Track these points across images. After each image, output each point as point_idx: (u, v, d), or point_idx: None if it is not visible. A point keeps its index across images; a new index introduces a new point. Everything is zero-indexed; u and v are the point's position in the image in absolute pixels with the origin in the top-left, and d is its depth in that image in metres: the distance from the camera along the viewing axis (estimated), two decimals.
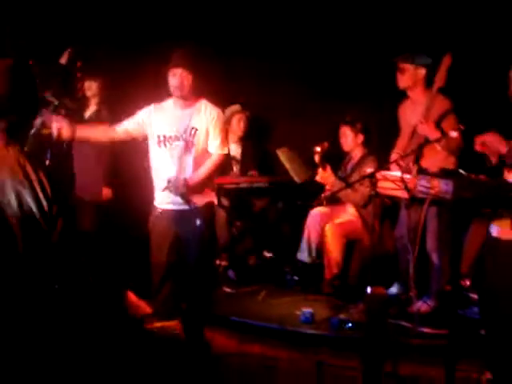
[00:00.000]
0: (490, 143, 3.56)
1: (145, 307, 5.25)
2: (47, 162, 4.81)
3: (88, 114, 5.85)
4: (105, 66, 6.01)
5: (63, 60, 5.40)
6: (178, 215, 4.56)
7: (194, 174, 4.52)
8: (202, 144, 4.54)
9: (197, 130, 4.51)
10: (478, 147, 3.62)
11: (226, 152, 4.66)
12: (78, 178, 5.59)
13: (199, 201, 4.56)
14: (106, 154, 5.53)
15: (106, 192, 5.71)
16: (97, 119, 5.69)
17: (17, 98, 2.45)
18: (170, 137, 4.52)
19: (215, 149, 4.57)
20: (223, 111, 5.67)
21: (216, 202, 4.76)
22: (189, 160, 4.52)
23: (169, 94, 4.61)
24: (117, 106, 5.70)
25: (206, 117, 4.54)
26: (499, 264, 3.61)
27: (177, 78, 4.45)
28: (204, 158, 4.57)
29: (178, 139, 4.51)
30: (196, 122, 4.53)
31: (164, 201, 4.60)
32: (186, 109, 4.57)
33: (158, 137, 4.53)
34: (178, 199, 4.50)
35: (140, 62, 6.25)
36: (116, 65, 6.17)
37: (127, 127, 4.64)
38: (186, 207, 4.52)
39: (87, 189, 5.54)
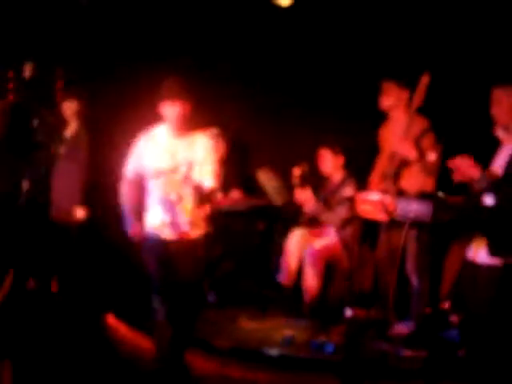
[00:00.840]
0: (461, 167, 3.58)
1: (124, 330, 5.26)
2: (26, 185, 4.78)
3: (68, 133, 5.82)
4: (84, 86, 5.97)
5: (27, 73, 5.38)
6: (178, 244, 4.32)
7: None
8: (197, 177, 4.25)
9: (193, 163, 4.24)
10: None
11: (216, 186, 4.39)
12: (55, 197, 5.60)
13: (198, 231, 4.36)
14: (85, 172, 5.51)
15: (80, 212, 5.58)
16: (77, 139, 5.68)
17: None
18: (167, 170, 4.24)
19: (210, 182, 4.27)
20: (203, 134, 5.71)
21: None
22: (186, 192, 4.24)
23: (155, 122, 4.39)
24: (96, 127, 5.72)
25: (201, 147, 4.29)
26: (477, 289, 3.64)
27: (176, 109, 4.20)
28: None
29: (175, 171, 4.23)
30: (193, 152, 4.26)
31: (164, 230, 4.31)
32: (180, 138, 4.30)
33: (155, 171, 4.27)
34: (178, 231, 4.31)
35: (119, 83, 6.26)
36: (95, 85, 6.15)
37: (136, 177, 4.39)
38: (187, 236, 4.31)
39: (63, 208, 5.53)
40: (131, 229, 4.40)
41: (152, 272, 4.35)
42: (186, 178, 4.22)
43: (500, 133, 3.72)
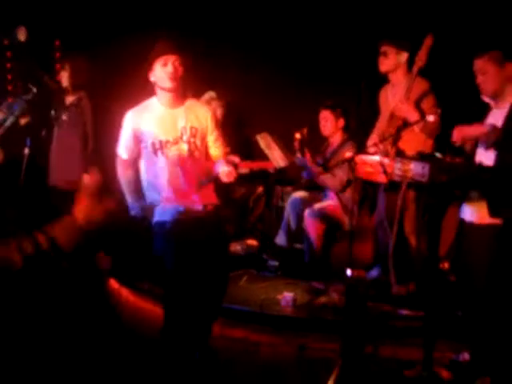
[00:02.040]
0: (468, 129, 3.62)
1: (127, 294, 5.31)
2: (26, 151, 4.73)
3: (69, 101, 5.82)
4: (82, 56, 5.94)
5: (21, 37, 5.34)
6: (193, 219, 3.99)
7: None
8: (203, 145, 4.04)
9: (197, 129, 3.98)
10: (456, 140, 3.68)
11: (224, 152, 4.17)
12: (58, 165, 5.61)
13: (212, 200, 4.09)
14: (89, 143, 5.51)
15: (87, 177, 5.59)
16: (78, 107, 5.67)
17: None
18: (168, 141, 3.92)
19: (217, 151, 4.12)
20: (199, 99, 5.70)
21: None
22: (194, 164, 3.99)
23: (148, 94, 4.07)
24: (98, 92, 5.72)
25: (201, 116, 4.02)
26: (475, 247, 3.68)
27: (170, 66, 3.84)
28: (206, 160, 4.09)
29: (178, 142, 3.94)
30: (193, 121, 3.98)
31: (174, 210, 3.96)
32: (177, 107, 3.98)
33: (153, 144, 3.92)
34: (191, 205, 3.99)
35: (117, 49, 6.24)
36: (95, 52, 6.12)
37: (133, 155, 4.05)
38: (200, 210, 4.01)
39: (62, 175, 5.54)
40: (137, 209, 4.08)
41: (170, 263, 3.90)
42: (193, 147, 3.96)
43: (488, 100, 3.73)
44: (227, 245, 4.39)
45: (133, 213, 4.11)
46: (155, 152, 3.92)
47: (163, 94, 3.95)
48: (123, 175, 4.11)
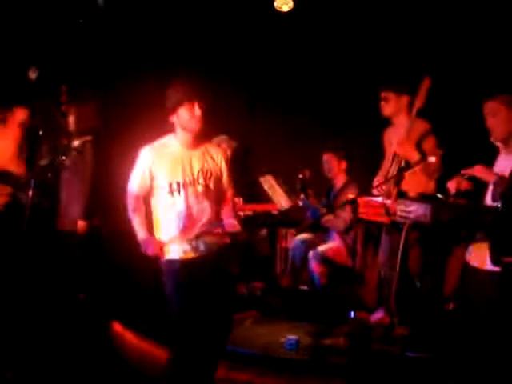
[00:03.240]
0: (479, 172, 3.61)
1: (131, 337, 5.29)
2: (30, 193, 4.74)
3: (75, 144, 5.87)
4: (89, 100, 6.01)
5: (33, 75, 5.40)
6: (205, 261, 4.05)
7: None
8: (217, 188, 4.11)
9: (211, 171, 4.07)
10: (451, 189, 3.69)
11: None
12: (61, 206, 5.65)
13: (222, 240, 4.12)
14: (87, 185, 5.56)
15: (81, 224, 5.60)
16: (82, 150, 5.73)
17: None
18: (185, 182, 3.99)
19: (230, 193, 4.23)
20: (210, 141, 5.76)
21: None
22: (208, 206, 4.03)
23: (163, 132, 4.14)
24: (102, 140, 5.77)
25: (216, 157, 4.11)
26: (477, 292, 3.65)
27: (197, 109, 3.92)
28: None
29: (194, 184, 4.01)
30: (209, 162, 4.08)
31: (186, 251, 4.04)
32: (195, 149, 4.07)
33: (170, 185, 3.98)
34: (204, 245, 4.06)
35: (121, 96, 6.30)
36: (100, 99, 6.18)
37: (146, 190, 4.08)
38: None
39: (68, 217, 5.58)
40: (150, 245, 4.01)
41: (178, 302, 3.97)
42: (207, 190, 4.02)
43: (497, 143, 3.73)
44: (234, 285, 4.40)
45: (144, 249, 4.06)
46: (171, 192, 3.98)
47: (184, 135, 4.02)
48: (135, 210, 4.10)
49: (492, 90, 3.72)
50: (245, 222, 6.18)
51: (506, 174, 3.55)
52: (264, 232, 6.35)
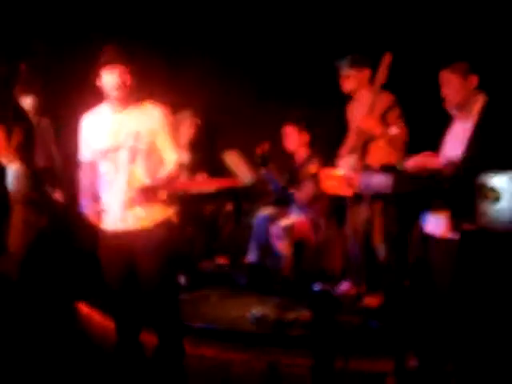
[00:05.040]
0: (423, 163, 3.65)
1: (97, 318, 5.26)
2: None
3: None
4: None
5: None
6: (133, 235, 3.85)
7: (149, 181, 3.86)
8: (149, 149, 3.87)
9: (140, 133, 3.84)
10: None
11: (178, 158, 3.98)
12: None
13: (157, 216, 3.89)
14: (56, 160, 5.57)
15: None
16: (38, 130, 5.66)
17: None
18: (113, 147, 3.84)
19: (170, 154, 3.93)
20: (174, 117, 5.70)
21: (175, 219, 4.02)
22: (137, 170, 3.84)
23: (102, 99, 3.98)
24: (57, 112, 5.70)
25: (150, 118, 3.89)
26: (437, 261, 3.68)
27: (115, 76, 3.78)
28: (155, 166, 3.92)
29: (120, 148, 3.84)
30: (139, 124, 3.85)
31: (116, 222, 3.88)
32: (126, 112, 3.89)
33: (100, 152, 3.87)
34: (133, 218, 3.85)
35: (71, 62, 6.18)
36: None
37: (89, 158, 3.99)
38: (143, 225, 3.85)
39: None
40: (87, 208, 3.93)
41: (111, 274, 3.90)
42: (135, 153, 3.84)
43: (452, 111, 3.77)
44: (165, 269, 3.95)
45: (85, 213, 3.97)
46: (101, 159, 3.88)
47: (110, 100, 3.88)
48: (80, 176, 4.05)
49: (448, 59, 3.74)
50: (209, 197, 6.18)
51: (460, 140, 3.61)
52: (229, 207, 6.34)
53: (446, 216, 3.54)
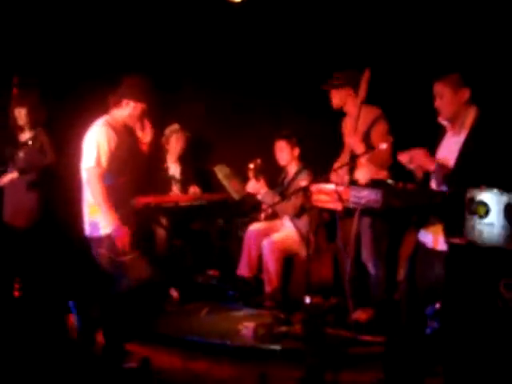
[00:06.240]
0: (418, 160, 3.67)
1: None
2: None
3: (24, 138, 5.81)
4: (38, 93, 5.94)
5: None
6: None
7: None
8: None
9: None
10: (403, 161, 3.73)
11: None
12: (9, 200, 5.72)
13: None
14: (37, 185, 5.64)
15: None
16: (34, 144, 5.71)
17: None
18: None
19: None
20: (162, 131, 5.79)
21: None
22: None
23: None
24: (56, 129, 5.74)
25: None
26: (436, 274, 3.69)
27: (138, 110, 4.39)
28: None
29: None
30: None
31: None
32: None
33: None
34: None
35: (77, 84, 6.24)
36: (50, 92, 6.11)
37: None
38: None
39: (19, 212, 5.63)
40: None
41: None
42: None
43: (445, 123, 3.80)
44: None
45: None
46: None
47: (115, 122, 4.36)
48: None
49: (440, 70, 3.78)
50: (200, 211, 6.19)
51: (452, 152, 3.61)
52: (220, 221, 6.37)
53: (438, 229, 3.57)
